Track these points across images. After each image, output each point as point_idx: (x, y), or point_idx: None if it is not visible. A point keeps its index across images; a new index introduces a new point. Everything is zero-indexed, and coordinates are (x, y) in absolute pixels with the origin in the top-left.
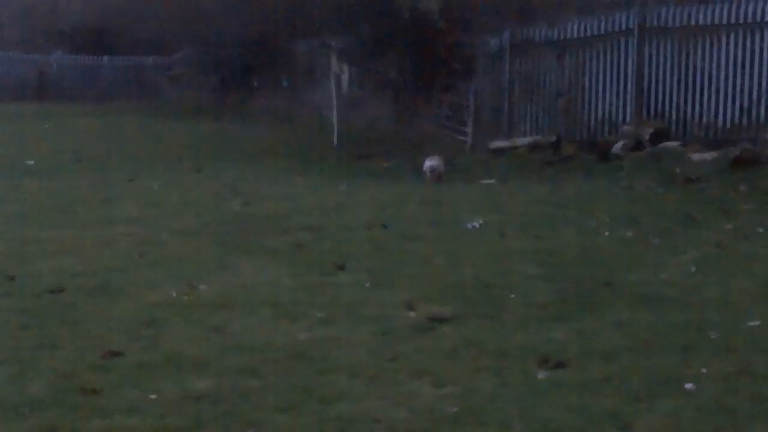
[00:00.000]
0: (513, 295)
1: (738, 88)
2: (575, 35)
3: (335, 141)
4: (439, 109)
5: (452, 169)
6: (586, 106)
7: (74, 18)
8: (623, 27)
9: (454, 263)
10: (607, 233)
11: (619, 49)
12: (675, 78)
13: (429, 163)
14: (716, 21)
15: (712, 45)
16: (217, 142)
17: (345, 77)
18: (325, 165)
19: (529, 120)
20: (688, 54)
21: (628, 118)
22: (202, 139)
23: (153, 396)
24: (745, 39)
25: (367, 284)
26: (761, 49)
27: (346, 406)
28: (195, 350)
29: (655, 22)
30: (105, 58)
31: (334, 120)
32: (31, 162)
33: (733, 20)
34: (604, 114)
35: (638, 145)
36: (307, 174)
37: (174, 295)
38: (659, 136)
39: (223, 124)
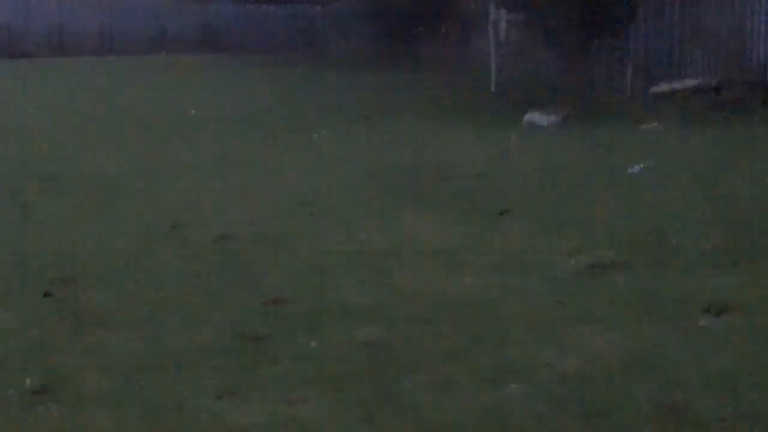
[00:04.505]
0: (681, 241)
1: None
2: None
3: (492, 89)
4: (600, 54)
5: (613, 114)
6: (751, 48)
7: None
8: None
9: (619, 209)
10: None
11: None
12: None
13: None
14: None
15: None
16: (381, 92)
17: (503, 24)
18: (484, 114)
19: (691, 63)
20: None
21: None
22: (367, 89)
23: (318, 343)
24: None
25: (533, 231)
26: None
27: (516, 352)
28: (362, 299)
29: None
30: (269, 7)
31: (492, 68)
32: (193, 111)
33: None
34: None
35: None
36: (466, 123)
37: (341, 244)
38: None
39: (386, 74)
